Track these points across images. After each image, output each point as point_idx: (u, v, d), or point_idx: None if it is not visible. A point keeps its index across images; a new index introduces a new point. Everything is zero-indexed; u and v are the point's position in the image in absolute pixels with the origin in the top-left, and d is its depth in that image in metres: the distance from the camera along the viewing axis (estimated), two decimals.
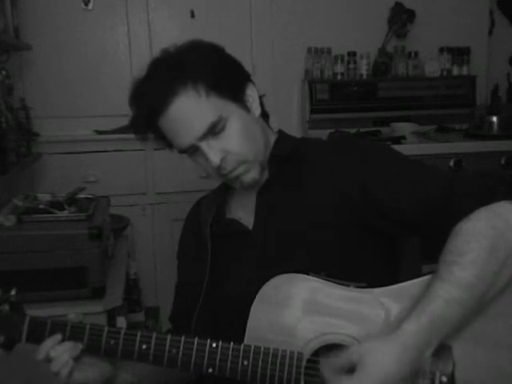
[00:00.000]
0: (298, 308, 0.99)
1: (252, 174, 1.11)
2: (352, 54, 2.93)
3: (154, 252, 2.84)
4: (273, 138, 1.19)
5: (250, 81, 1.15)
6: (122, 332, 1.02)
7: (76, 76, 2.75)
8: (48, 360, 1.02)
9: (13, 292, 1.06)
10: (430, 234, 1.05)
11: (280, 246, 1.11)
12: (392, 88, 2.95)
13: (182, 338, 1.00)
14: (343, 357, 0.90)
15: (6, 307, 1.05)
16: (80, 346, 1.02)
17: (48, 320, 1.04)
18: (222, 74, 1.08)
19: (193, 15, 2.83)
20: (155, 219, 2.83)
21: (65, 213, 1.70)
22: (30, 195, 1.86)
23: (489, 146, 2.63)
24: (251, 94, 1.13)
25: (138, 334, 1.01)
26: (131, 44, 2.80)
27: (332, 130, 2.79)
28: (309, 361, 0.98)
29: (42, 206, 1.72)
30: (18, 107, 2.33)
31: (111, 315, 1.65)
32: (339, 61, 2.92)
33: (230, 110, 1.08)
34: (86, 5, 2.73)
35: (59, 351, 1.01)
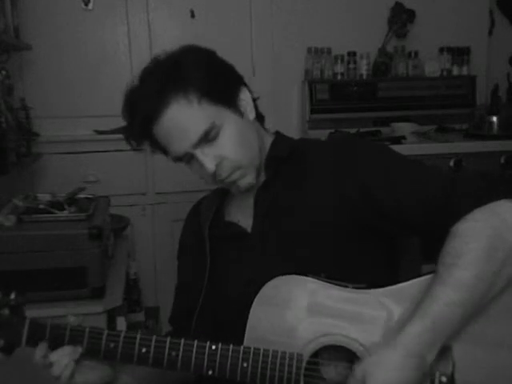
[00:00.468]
0: (297, 309, 0.99)
1: (248, 179, 1.11)
2: (352, 54, 2.92)
3: (154, 252, 2.83)
4: (269, 140, 1.18)
5: (243, 84, 1.15)
6: (122, 335, 1.02)
7: (76, 76, 2.75)
8: (48, 365, 1.02)
9: (12, 295, 1.05)
10: (429, 233, 1.04)
11: (279, 247, 1.11)
12: (392, 88, 2.94)
13: (182, 341, 1.00)
14: (349, 380, 0.91)
15: (6, 311, 1.04)
16: (80, 350, 1.02)
17: (48, 323, 1.04)
18: (213, 80, 1.08)
19: (193, 15, 2.83)
20: (155, 219, 2.83)
21: (65, 213, 1.70)
22: (30, 195, 1.86)
23: (489, 146, 2.63)
24: (244, 98, 1.13)
25: (138, 336, 1.01)
26: (131, 44, 2.79)
27: (332, 130, 2.79)
28: (309, 362, 0.98)
29: (42, 206, 1.72)
30: (17, 107, 2.33)
31: (111, 315, 1.65)
32: (339, 61, 2.92)
33: (223, 116, 1.07)
34: (86, 5, 2.73)
35: (59, 354, 1.01)
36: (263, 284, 1.00)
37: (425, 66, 2.99)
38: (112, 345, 1.01)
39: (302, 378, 0.97)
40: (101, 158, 2.71)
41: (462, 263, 0.91)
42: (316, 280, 1.00)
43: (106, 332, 1.02)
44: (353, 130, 2.83)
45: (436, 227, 0.99)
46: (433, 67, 2.98)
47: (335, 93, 2.90)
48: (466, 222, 0.94)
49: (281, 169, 1.14)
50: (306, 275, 1.00)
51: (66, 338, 1.02)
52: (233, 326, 1.04)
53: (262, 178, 1.15)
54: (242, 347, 0.98)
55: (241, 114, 1.11)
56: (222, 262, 1.17)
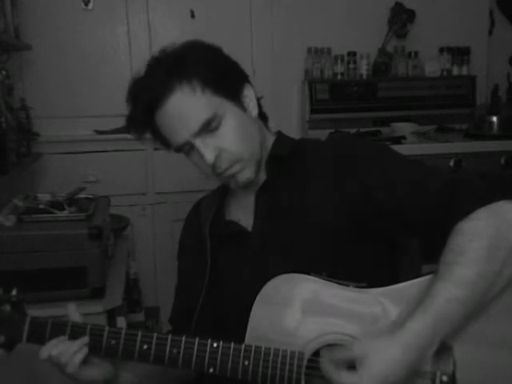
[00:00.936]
0: (298, 308, 0.99)
1: (247, 173, 1.11)
2: (352, 54, 2.93)
3: (154, 252, 2.84)
4: (271, 140, 1.19)
5: (248, 82, 1.16)
6: (123, 332, 1.02)
7: (76, 76, 2.75)
8: (55, 358, 1.01)
9: (14, 292, 1.06)
10: (429, 234, 1.04)
11: (280, 246, 1.11)
12: (392, 88, 2.95)
13: (183, 338, 1.00)
14: (345, 351, 0.91)
15: (8, 307, 1.04)
16: (86, 339, 1.02)
17: (49, 320, 1.04)
18: (218, 71, 1.09)
19: (193, 15, 2.83)
20: (155, 219, 2.83)
21: (65, 213, 1.70)
22: (30, 195, 1.86)
23: (489, 146, 2.63)
24: (248, 95, 1.13)
25: (139, 333, 1.01)
26: (131, 44, 2.80)
27: (332, 130, 2.79)
28: (310, 361, 0.98)
29: (41, 206, 1.72)
30: (17, 107, 2.34)
31: (111, 315, 1.65)
32: (339, 61, 2.92)
33: (226, 107, 1.08)
34: (86, 5, 2.73)
35: (67, 344, 1.01)
36: (264, 283, 1.00)
37: (425, 65, 3.00)
38: (113, 341, 1.01)
39: (302, 376, 0.97)
40: (101, 157, 2.72)
41: (463, 261, 0.91)
42: (317, 279, 1.00)
43: (107, 329, 1.02)
44: (353, 130, 2.83)
45: (435, 227, 0.99)
46: (433, 67, 2.98)
47: (335, 93, 2.91)
48: (470, 220, 0.94)
49: (282, 168, 1.15)
50: (308, 274, 1.00)
51: (67, 335, 1.02)
52: (233, 325, 1.04)
53: (263, 177, 1.15)
54: (243, 345, 0.98)
55: (244, 108, 1.12)
56: (223, 261, 1.17)
